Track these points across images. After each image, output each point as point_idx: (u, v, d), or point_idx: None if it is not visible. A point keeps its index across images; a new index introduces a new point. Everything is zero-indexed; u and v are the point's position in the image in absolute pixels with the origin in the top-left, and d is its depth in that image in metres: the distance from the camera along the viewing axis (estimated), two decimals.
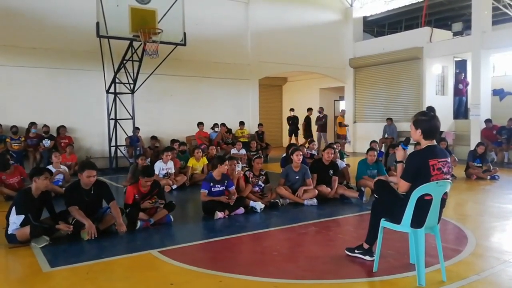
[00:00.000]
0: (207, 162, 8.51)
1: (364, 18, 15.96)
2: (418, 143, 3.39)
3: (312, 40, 14.51)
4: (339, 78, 15.74)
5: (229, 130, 12.23)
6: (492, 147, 11.19)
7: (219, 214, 5.28)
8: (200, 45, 11.59)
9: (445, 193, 3.11)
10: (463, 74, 13.77)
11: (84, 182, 4.50)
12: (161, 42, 8.87)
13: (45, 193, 4.55)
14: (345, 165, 7.82)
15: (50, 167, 7.03)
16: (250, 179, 6.14)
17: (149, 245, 4.19)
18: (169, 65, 10.22)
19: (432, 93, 13.33)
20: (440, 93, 13.76)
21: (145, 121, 11.19)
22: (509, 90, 14.12)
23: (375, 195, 3.54)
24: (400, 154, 3.30)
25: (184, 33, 9.43)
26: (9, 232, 4.20)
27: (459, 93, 13.80)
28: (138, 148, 10.42)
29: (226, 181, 5.61)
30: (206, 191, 5.44)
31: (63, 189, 5.90)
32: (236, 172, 6.02)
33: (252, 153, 10.60)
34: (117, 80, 10.15)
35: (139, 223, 4.80)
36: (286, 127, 15.94)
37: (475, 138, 11.47)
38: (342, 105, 17.45)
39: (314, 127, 14.55)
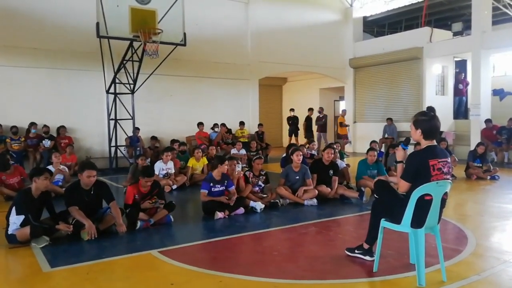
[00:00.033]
0: (207, 162, 8.51)
1: (364, 18, 15.96)
2: (418, 143, 3.39)
3: (312, 40, 14.51)
4: (339, 78, 15.74)
5: (229, 130, 12.22)
6: (492, 147, 11.19)
7: (219, 214, 5.28)
8: (200, 45, 11.59)
9: (445, 193, 3.11)
10: (463, 74, 13.77)
11: (84, 182, 4.50)
12: (161, 42, 8.87)
13: (45, 193, 4.55)
14: (345, 165, 7.81)
15: (50, 167, 7.03)
16: (250, 179, 6.14)
17: (149, 245, 4.19)
18: (169, 65, 10.22)
19: (432, 93, 13.34)
20: (440, 93, 13.76)
21: (145, 121, 11.19)
22: (509, 90, 14.13)
23: (375, 195, 3.54)
24: (400, 154, 3.30)
25: (184, 33, 9.43)
26: (9, 232, 4.20)
27: (459, 93, 13.80)
28: (138, 148, 10.42)
29: (226, 181, 5.61)
30: (206, 191, 5.44)
31: (63, 189, 5.90)
32: (236, 172, 6.02)
33: (252, 153, 10.60)
34: (117, 80, 10.15)
35: (139, 223, 4.80)
36: (286, 127, 15.94)
37: (475, 138, 11.47)
38: (342, 105, 17.44)
39: (314, 127, 14.54)
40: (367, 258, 3.55)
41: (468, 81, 13.37)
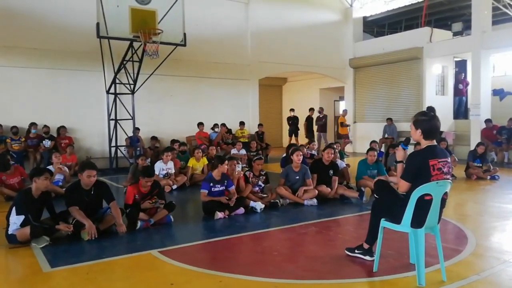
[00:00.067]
0: (207, 162, 8.50)
1: (364, 18, 15.96)
2: (418, 143, 3.40)
3: (312, 40, 14.51)
4: (339, 78, 15.74)
5: (229, 130, 12.22)
6: (492, 147, 11.19)
7: (219, 214, 5.28)
8: (200, 45, 11.59)
9: (445, 193, 3.11)
10: (463, 74, 13.77)
11: (84, 182, 4.50)
12: (161, 43, 8.87)
13: (45, 194, 4.55)
14: (345, 165, 7.81)
15: (50, 167, 7.03)
16: (250, 179, 6.14)
17: (149, 245, 4.19)
18: (169, 66, 10.22)
19: (432, 93, 13.34)
20: (440, 93, 13.76)
21: (145, 122, 11.19)
22: (509, 90, 14.12)
23: (375, 195, 3.54)
24: (400, 154, 3.30)
25: (184, 34, 9.44)
26: (9, 232, 4.21)
27: (459, 93, 13.80)
28: (138, 149, 10.42)
29: (226, 181, 5.61)
30: (206, 191, 5.44)
31: (63, 189, 5.90)
32: (236, 172, 6.02)
33: (252, 153, 10.60)
34: (117, 81, 10.15)
35: (139, 223, 4.81)
36: (286, 127, 15.93)
37: (475, 138, 11.47)
38: (342, 105, 17.43)
39: (315, 127, 14.54)
40: (367, 258, 3.55)
41: (468, 81, 13.37)
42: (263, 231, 4.79)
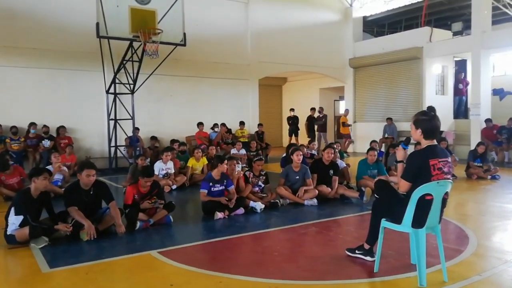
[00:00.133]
0: (207, 162, 8.49)
1: (364, 18, 15.96)
2: (418, 143, 3.38)
3: (312, 40, 14.50)
4: (339, 78, 15.73)
5: (229, 130, 12.21)
6: (493, 146, 11.19)
7: (219, 215, 5.26)
8: (200, 45, 11.58)
9: (446, 193, 3.10)
10: (463, 73, 13.75)
11: (83, 182, 4.48)
12: (161, 43, 8.86)
13: (44, 194, 4.53)
14: (345, 165, 7.80)
15: (49, 167, 7.01)
16: (250, 179, 6.12)
17: (149, 246, 4.18)
18: (169, 66, 10.21)
19: (432, 92, 13.33)
20: (440, 92, 13.75)
21: (145, 121, 11.17)
22: (509, 90, 14.12)
23: (375, 195, 3.53)
24: (400, 154, 3.29)
25: (184, 34, 9.42)
26: (8, 232, 4.19)
27: (459, 93, 13.79)
28: (138, 149, 10.40)
29: (225, 181, 5.60)
30: (206, 191, 5.42)
31: (62, 189, 5.89)
32: (236, 172, 6.00)
33: (252, 153, 10.59)
34: (117, 81, 10.13)
35: (138, 224, 4.79)
36: (286, 127, 15.92)
37: (475, 138, 11.46)
38: (342, 105, 17.43)
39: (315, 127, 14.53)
40: (368, 258, 3.53)
41: (468, 81, 13.36)
42: (263, 231, 4.78)
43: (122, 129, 10.55)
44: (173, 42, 9.28)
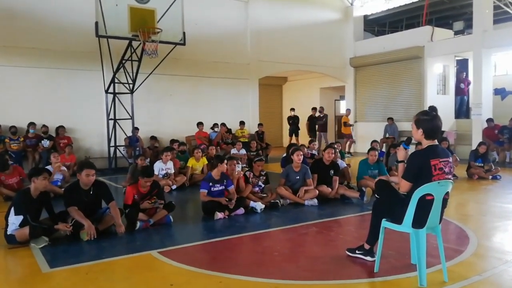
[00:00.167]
0: (206, 162, 8.47)
1: (365, 17, 15.93)
2: (419, 143, 3.37)
3: (312, 39, 14.48)
4: (339, 77, 15.71)
5: (229, 130, 12.20)
6: (494, 146, 11.16)
7: (219, 215, 5.25)
8: (199, 44, 11.56)
9: (447, 193, 3.09)
10: (465, 73, 13.72)
11: (83, 181, 4.48)
12: (161, 42, 8.84)
13: (44, 194, 4.53)
14: (345, 165, 7.78)
15: (49, 167, 7.01)
16: (250, 179, 6.11)
17: (149, 246, 4.17)
18: (168, 65, 10.20)
19: (433, 92, 13.31)
20: (442, 92, 13.73)
21: (145, 121, 11.15)
22: (511, 89, 14.08)
23: (376, 195, 3.52)
24: (401, 154, 3.28)
25: (184, 33, 9.40)
26: (8, 232, 4.19)
27: (461, 93, 13.76)
28: (138, 148, 10.39)
29: (225, 181, 5.59)
30: (206, 191, 5.41)
31: (62, 189, 5.88)
32: (236, 173, 5.99)
33: (252, 153, 10.58)
34: (116, 80, 10.12)
35: (138, 224, 4.78)
36: (286, 127, 15.90)
37: (476, 138, 11.43)
38: (342, 104, 17.41)
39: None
40: (368, 258, 3.52)
41: (470, 80, 13.33)
42: (263, 232, 4.77)
43: (122, 129, 10.53)
44: (173, 41, 9.26)
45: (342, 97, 17.16)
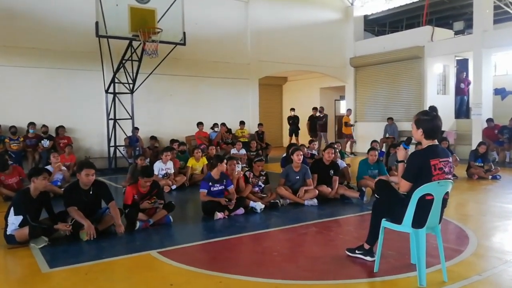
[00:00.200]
0: (206, 162, 8.47)
1: (365, 17, 15.93)
2: (419, 143, 3.37)
3: (312, 39, 14.48)
4: (339, 77, 15.70)
5: (229, 130, 12.20)
6: (494, 146, 11.16)
7: (219, 215, 5.25)
8: (199, 44, 11.56)
9: (447, 193, 3.09)
10: (465, 73, 13.72)
11: (83, 181, 4.47)
12: (161, 42, 8.84)
13: (44, 194, 4.53)
14: (345, 165, 7.78)
15: (48, 167, 7.00)
16: (250, 179, 6.10)
17: (149, 246, 4.17)
18: (168, 65, 10.20)
19: (433, 92, 13.30)
20: (442, 92, 13.72)
21: (145, 121, 11.15)
22: (511, 89, 14.08)
23: (376, 195, 3.51)
24: (401, 153, 3.28)
25: (184, 33, 9.40)
26: (8, 232, 4.19)
27: (461, 92, 13.75)
28: (138, 148, 10.39)
29: (225, 180, 5.59)
30: (206, 191, 5.41)
31: (62, 189, 5.88)
32: (236, 173, 5.99)
33: (252, 153, 10.57)
34: (116, 80, 10.12)
35: (138, 224, 4.78)
36: (286, 127, 15.90)
37: (476, 138, 11.43)
38: (342, 104, 17.41)
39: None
40: (368, 258, 3.52)
41: (470, 80, 13.32)
42: (263, 232, 4.77)
43: (122, 128, 10.53)
44: (173, 41, 9.26)
45: (342, 97, 17.15)
